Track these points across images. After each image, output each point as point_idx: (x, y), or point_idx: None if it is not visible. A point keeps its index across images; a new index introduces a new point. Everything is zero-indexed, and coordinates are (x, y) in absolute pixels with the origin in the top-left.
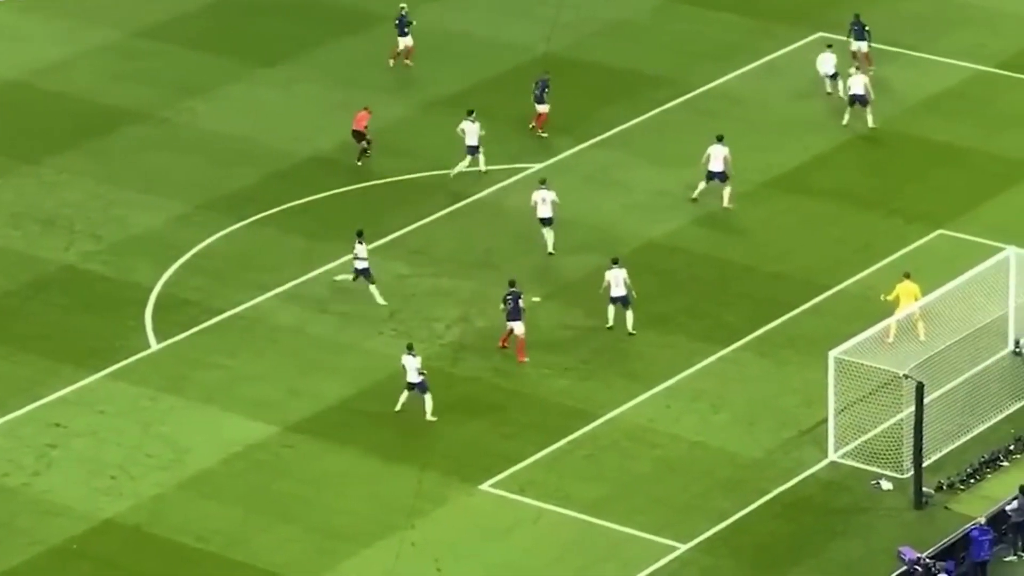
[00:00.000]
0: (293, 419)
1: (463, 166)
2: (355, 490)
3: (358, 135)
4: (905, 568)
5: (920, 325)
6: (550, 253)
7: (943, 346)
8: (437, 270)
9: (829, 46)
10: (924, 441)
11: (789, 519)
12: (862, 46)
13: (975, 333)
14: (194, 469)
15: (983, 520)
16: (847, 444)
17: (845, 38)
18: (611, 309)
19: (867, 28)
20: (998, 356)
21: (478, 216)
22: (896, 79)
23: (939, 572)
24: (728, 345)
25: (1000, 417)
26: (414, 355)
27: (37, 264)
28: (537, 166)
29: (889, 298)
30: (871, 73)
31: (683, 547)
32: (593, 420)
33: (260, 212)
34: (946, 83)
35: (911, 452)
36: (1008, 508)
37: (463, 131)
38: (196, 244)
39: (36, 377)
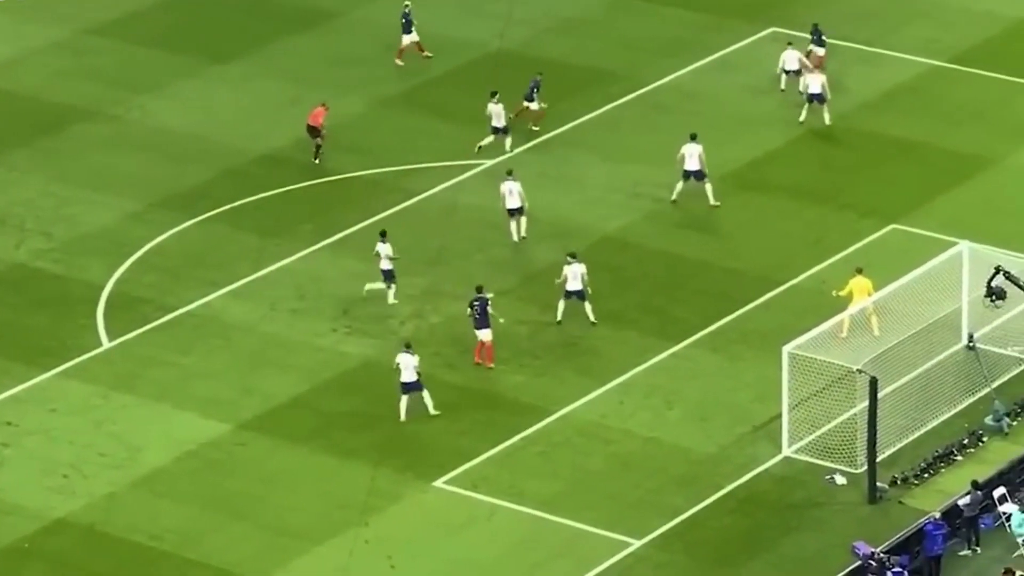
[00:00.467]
0: (246, 417)
1: (487, 142)
2: (308, 487)
3: (313, 130)
4: (859, 563)
5: (873, 320)
6: (523, 237)
7: (897, 341)
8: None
9: (789, 44)
10: (878, 436)
11: (743, 515)
12: (818, 51)
13: (929, 328)
14: (147, 467)
15: (937, 514)
16: (801, 439)
17: (799, 34)
18: (562, 304)
19: (824, 36)
20: (951, 350)
21: (431, 213)
22: (849, 74)
23: (893, 567)
24: (681, 341)
25: (954, 411)
26: (412, 353)
27: None
28: (490, 163)
29: (842, 294)
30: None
31: (637, 543)
32: (546, 416)
33: (212, 209)
34: (899, 78)
35: (865, 447)
36: (961, 502)
37: (490, 114)
38: (148, 242)
39: None
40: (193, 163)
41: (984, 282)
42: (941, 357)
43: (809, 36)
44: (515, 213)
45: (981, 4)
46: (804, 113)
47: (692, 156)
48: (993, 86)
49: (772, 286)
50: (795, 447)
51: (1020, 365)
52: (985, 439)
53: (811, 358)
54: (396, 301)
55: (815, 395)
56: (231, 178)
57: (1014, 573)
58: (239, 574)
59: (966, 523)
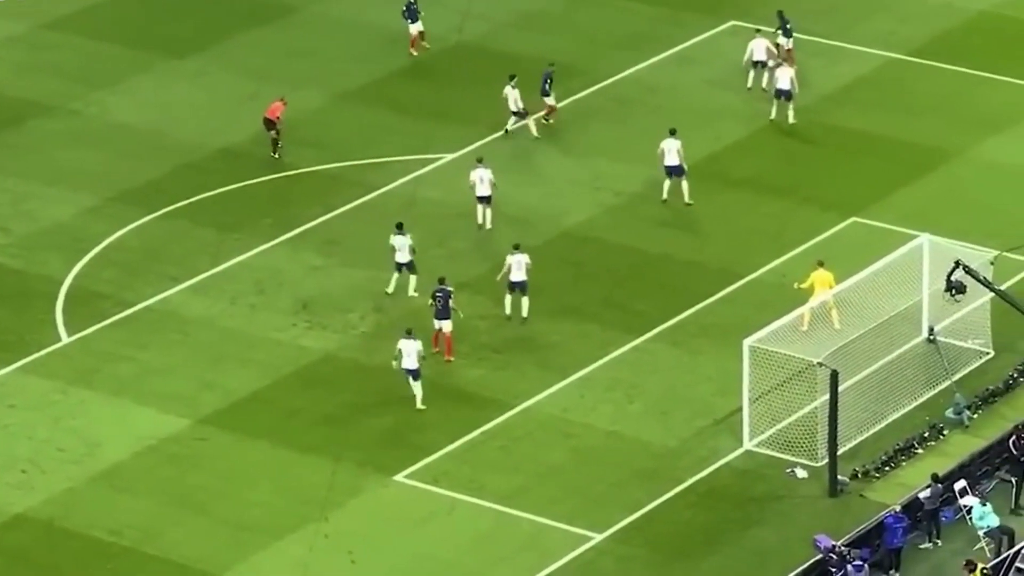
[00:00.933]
0: (205, 412)
1: (511, 124)
2: (268, 482)
3: (269, 123)
4: (820, 556)
5: (834, 313)
6: (488, 228)
7: (857, 334)
8: (349, 261)
9: (758, 31)
10: (839, 429)
11: (704, 508)
12: (787, 42)
13: (889, 320)
14: (106, 463)
15: (897, 507)
16: (762, 433)
17: (759, 27)
18: (508, 297)
19: (789, 25)
20: (912, 343)
21: (390, 207)
22: (809, 67)
23: (854, 560)
24: (642, 334)
25: (914, 404)
26: (414, 339)
27: None
28: (449, 156)
29: (803, 286)
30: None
31: (598, 537)
32: (507, 410)
33: (171, 204)
34: (859, 71)
35: (826, 440)
36: (922, 495)
37: (506, 97)
38: (107, 237)
39: None
40: (151, 158)
41: (944, 275)
42: (902, 350)
43: (775, 28)
44: (484, 201)
45: None
46: (774, 111)
47: (671, 151)
48: (953, 79)
49: (733, 279)
50: (756, 440)
51: (980, 358)
52: (946, 432)
53: (772, 351)
54: (416, 294)
55: (776, 388)
56: (190, 173)
57: (975, 564)
58: (199, 569)
59: (927, 516)
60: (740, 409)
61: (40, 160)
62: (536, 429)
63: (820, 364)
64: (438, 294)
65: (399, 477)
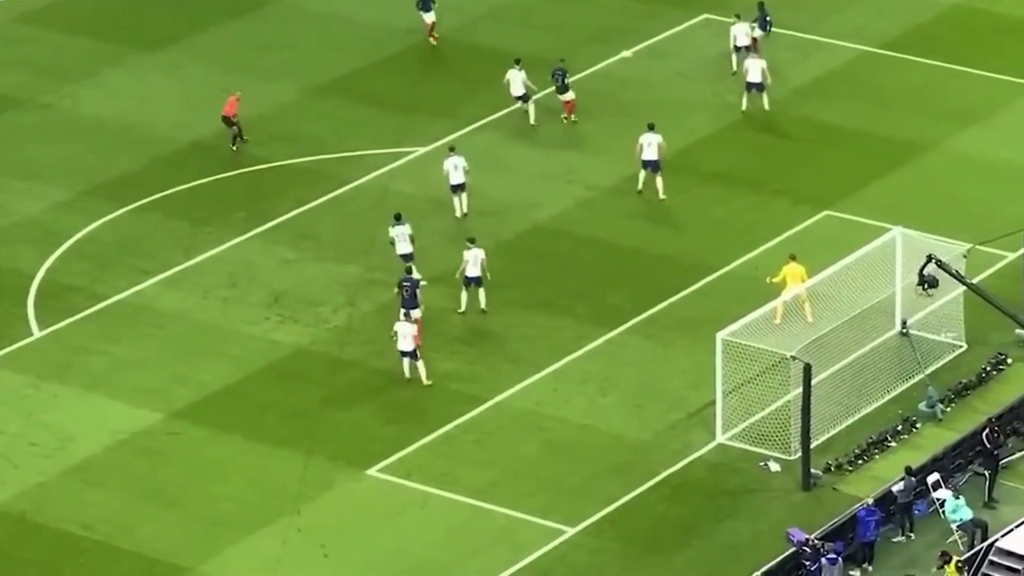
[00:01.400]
0: (178, 406)
1: (529, 109)
2: (240, 476)
3: (228, 121)
4: (793, 549)
5: (807, 307)
6: (464, 214)
7: (830, 327)
8: (322, 255)
9: (737, 16)
10: (812, 422)
11: (677, 502)
12: (760, 34)
13: (862, 314)
14: (78, 457)
15: (870, 501)
16: (735, 426)
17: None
18: (464, 294)
19: (769, 19)
20: (885, 336)
21: (362, 201)
22: (781, 61)
23: (827, 553)
24: (615, 328)
25: (888, 398)
26: (411, 321)
27: None
28: (422, 150)
29: (775, 280)
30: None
31: (572, 530)
32: (480, 404)
33: (143, 198)
34: (832, 64)
35: (799, 433)
36: (895, 489)
37: (508, 81)
38: (79, 231)
39: None
40: (124, 151)
41: (917, 269)
42: (875, 343)
43: (752, 19)
44: (457, 189)
45: None
46: (744, 102)
47: (651, 146)
48: (926, 72)
49: (706, 273)
50: (729, 434)
51: (953, 351)
52: (919, 425)
53: (745, 345)
54: (426, 283)
55: (749, 382)
56: (162, 166)
57: (950, 556)
58: (171, 563)
59: (900, 509)
60: (713, 402)
61: (12, 154)
62: (509, 423)
63: (793, 358)
64: (405, 284)
65: (372, 471)
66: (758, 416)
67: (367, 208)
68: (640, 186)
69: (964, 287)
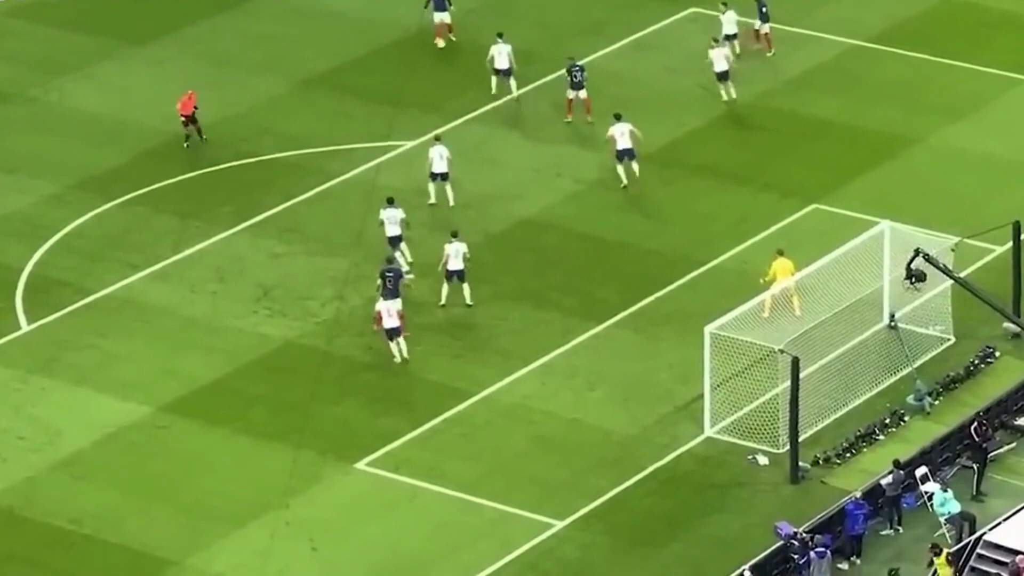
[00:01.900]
0: (166, 399)
1: (494, 86)
2: (229, 470)
3: (186, 119)
4: (782, 543)
5: (795, 300)
6: (450, 206)
7: (818, 321)
8: (310, 248)
9: (724, 3)
10: (800, 415)
11: (666, 495)
12: (764, 27)
13: (851, 307)
14: (66, 451)
15: (858, 494)
16: (723, 419)
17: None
18: (445, 287)
19: (765, 9)
20: (873, 330)
21: (350, 194)
22: (771, 54)
23: (816, 547)
24: (603, 322)
25: (876, 391)
26: (395, 299)
27: None
28: (410, 143)
29: (766, 280)
30: (771, 54)
31: (560, 524)
32: (468, 398)
33: (131, 192)
34: (820, 58)
35: (787, 427)
36: (883, 482)
37: (492, 56)
38: (67, 224)
39: None
40: (112, 145)
41: (905, 262)
42: (863, 337)
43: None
44: (440, 178)
45: None
46: (723, 92)
47: (624, 135)
48: (914, 65)
49: (694, 267)
50: (717, 427)
51: (941, 345)
52: (907, 418)
53: (733, 338)
54: (412, 276)
55: (737, 375)
56: (150, 160)
57: (940, 549)
58: (160, 557)
59: (888, 502)
60: (701, 396)
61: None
62: (497, 417)
63: (781, 351)
64: (388, 273)
65: (360, 465)
66: (746, 410)
67: (355, 202)
68: (625, 181)
69: (952, 281)
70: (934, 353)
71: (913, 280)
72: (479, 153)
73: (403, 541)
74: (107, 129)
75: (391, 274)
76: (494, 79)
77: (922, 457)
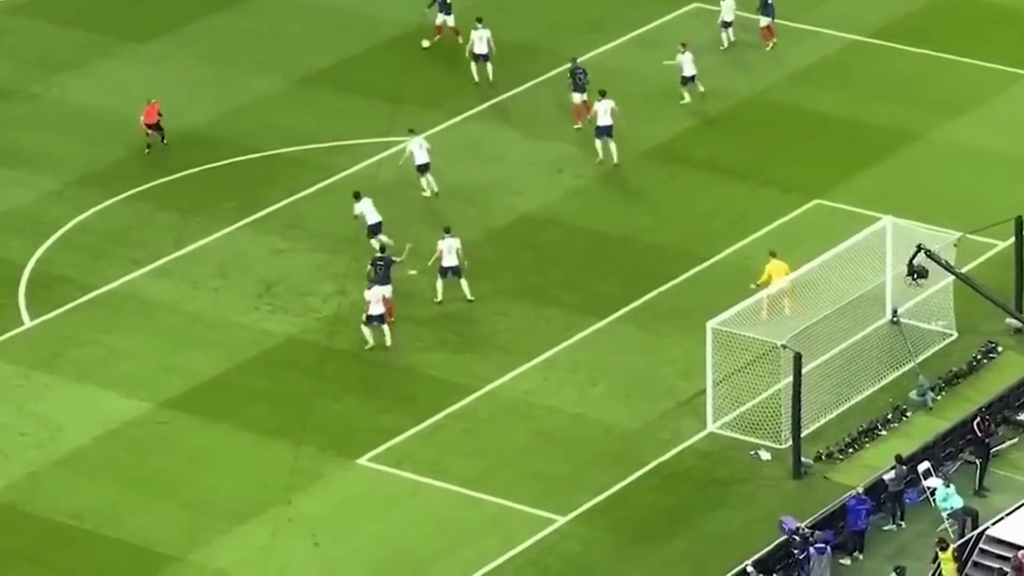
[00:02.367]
0: (168, 395)
1: (475, 73)
2: (230, 466)
3: (150, 127)
4: (784, 538)
5: (786, 301)
6: (435, 192)
7: (821, 316)
8: (312, 244)
9: None
10: (802, 411)
11: (668, 490)
12: (767, 21)
13: (853, 303)
14: (68, 447)
15: (860, 489)
16: (725, 415)
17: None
18: (440, 283)
19: (771, 2)
20: (875, 325)
21: (352, 190)
22: (772, 49)
23: (816, 542)
24: (604, 317)
25: (878, 386)
26: (380, 285)
27: None
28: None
29: (760, 283)
30: (771, 45)
31: (562, 519)
32: (470, 393)
33: (133, 188)
34: (821, 53)
35: (790, 422)
36: (886, 477)
37: (472, 41)
38: (69, 220)
39: None
40: (113, 141)
41: (907, 257)
42: (865, 332)
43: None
44: (425, 169)
45: None
46: (686, 95)
47: (606, 112)
48: (915, 60)
49: (695, 262)
50: (719, 423)
51: (944, 340)
52: (909, 414)
53: (735, 334)
54: (400, 258)
55: (739, 371)
56: (151, 156)
57: (946, 544)
58: (162, 553)
59: (891, 498)
60: (704, 391)
61: (1, 144)
62: (499, 412)
63: (784, 346)
64: (379, 262)
65: (362, 460)
66: (748, 405)
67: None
68: (600, 156)
69: (954, 276)
70: (936, 348)
71: (915, 276)
72: (480, 149)
73: (405, 537)
74: (108, 125)
75: (382, 262)
76: (474, 66)
77: (924, 452)
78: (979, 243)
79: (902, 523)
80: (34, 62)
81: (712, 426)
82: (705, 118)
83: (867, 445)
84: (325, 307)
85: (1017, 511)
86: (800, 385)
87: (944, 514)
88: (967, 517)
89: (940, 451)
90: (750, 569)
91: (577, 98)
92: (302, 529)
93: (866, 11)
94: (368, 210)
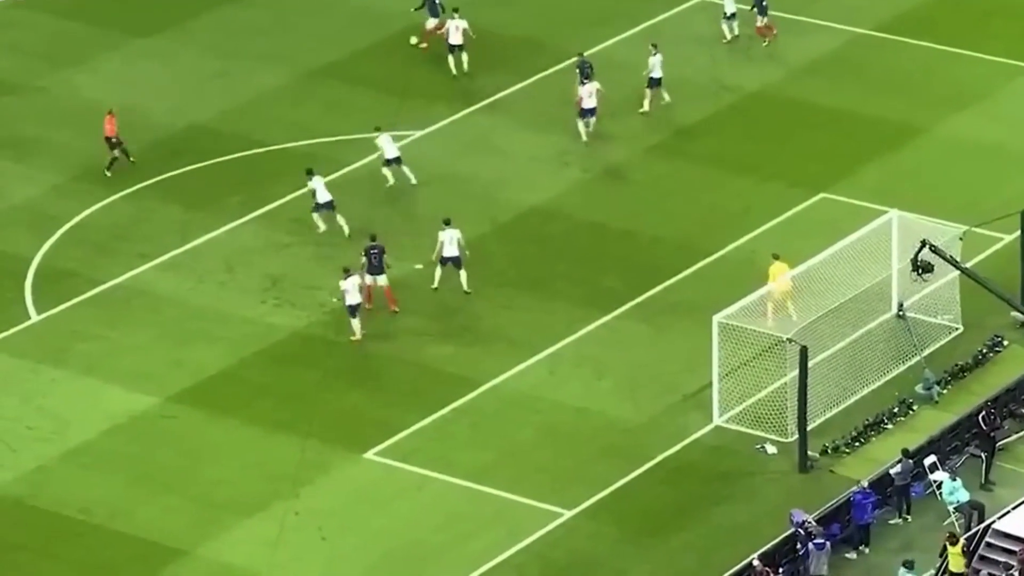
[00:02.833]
0: (174, 389)
1: (453, 65)
2: (237, 460)
3: (109, 141)
4: (790, 531)
5: (790, 304)
6: (413, 184)
7: (827, 310)
8: (318, 239)
9: None
10: (808, 405)
11: (673, 484)
12: (762, 20)
13: (858, 297)
14: (75, 441)
15: (865, 483)
16: (731, 409)
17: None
18: (439, 271)
19: (765, 2)
20: (881, 319)
21: (358, 184)
22: (776, 43)
23: (816, 537)
24: (610, 311)
25: (884, 380)
26: (354, 274)
27: None
28: (418, 133)
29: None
30: (768, 41)
31: (568, 513)
32: (476, 387)
33: (139, 183)
34: (826, 47)
35: (795, 416)
36: (892, 471)
37: (447, 30)
38: (75, 215)
39: None
40: (119, 136)
41: (913, 251)
42: (871, 326)
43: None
44: (397, 162)
45: None
46: (646, 103)
47: (591, 95)
48: (920, 54)
49: (701, 256)
50: (725, 417)
51: (950, 334)
52: (915, 407)
53: (741, 327)
54: (348, 232)
55: (745, 364)
56: (157, 151)
57: (956, 538)
58: (169, 547)
59: (897, 491)
60: (709, 385)
61: (7, 137)
62: (505, 406)
63: (790, 340)
64: (372, 251)
65: (369, 454)
66: (754, 399)
67: (362, 192)
68: (584, 137)
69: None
70: (942, 342)
71: (920, 272)
72: (485, 142)
73: (411, 530)
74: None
75: (375, 250)
76: (451, 58)
77: (930, 446)
78: (985, 237)
79: (908, 517)
80: (40, 56)
81: (718, 420)
82: (711, 112)
83: (873, 439)
84: (331, 301)
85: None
86: (806, 379)
87: (950, 508)
88: (973, 511)
89: (946, 445)
90: (756, 563)
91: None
92: (309, 523)
93: (871, 5)
94: (319, 188)
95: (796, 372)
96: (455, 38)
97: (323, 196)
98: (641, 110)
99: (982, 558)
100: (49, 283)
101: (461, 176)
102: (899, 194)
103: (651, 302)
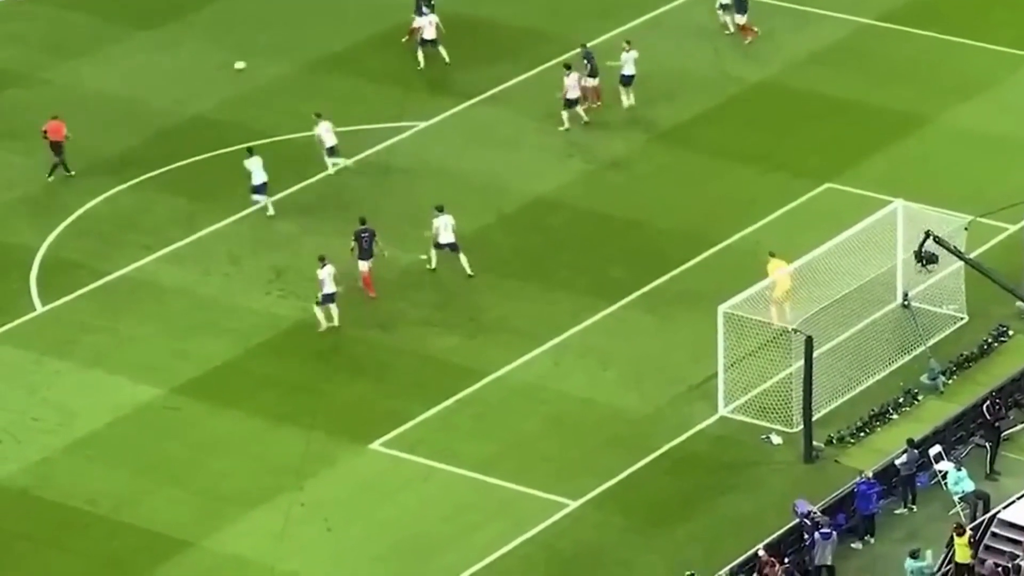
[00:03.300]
0: (180, 381)
1: (422, 59)
2: (242, 451)
3: (56, 147)
4: (795, 522)
5: (787, 307)
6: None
7: (832, 300)
8: (324, 229)
9: None
10: (813, 395)
11: (679, 475)
12: (741, 18)
13: (864, 287)
14: (81, 432)
15: (869, 474)
16: (736, 399)
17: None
18: (434, 252)
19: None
20: (886, 309)
21: (364, 175)
22: (781, 33)
23: (821, 527)
24: (615, 301)
25: (889, 370)
26: (330, 263)
27: None
28: (422, 124)
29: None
30: (750, 40)
31: (574, 504)
32: (481, 378)
33: (144, 174)
34: (831, 36)
35: (801, 406)
36: (897, 461)
37: (421, 26)
38: (80, 206)
39: None
40: (124, 127)
41: (918, 241)
42: (876, 316)
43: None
44: (332, 152)
45: None
46: (625, 99)
47: (573, 86)
48: (925, 44)
49: (706, 246)
50: (731, 407)
51: (955, 324)
52: (920, 398)
53: (746, 318)
54: (273, 213)
55: (750, 355)
56: (162, 142)
57: (964, 529)
58: (175, 538)
59: (902, 481)
60: (715, 375)
61: (13, 129)
62: (511, 397)
63: (795, 330)
64: (363, 234)
65: (374, 445)
66: (760, 389)
67: (368, 182)
68: (567, 125)
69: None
70: (947, 332)
71: (924, 263)
72: (490, 134)
73: (417, 521)
74: (119, 111)
75: (365, 234)
76: (420, 52)
77: (936, 436)
78: (990, 227)
79: (914, 507)
80: (45, 48)
81: (723, 410)
82: (716, 103)
83: (878, 429)
84: (336, 291)
85: None
86: (811, 369)
87: (955, 498)
88: (978, 501)
89: (951, 435)
90: (761, 553)
91: (588, 82)
92: (314, 514)
93: None
94: (256, 168)
95: (801, 362)
96: (429, 33)
97: (259, 177)
98: (625, 105)
99: (987, 548)
100: (54, 275)
101: (465, 167)
102: (904, 184)
103: (656, 292)
